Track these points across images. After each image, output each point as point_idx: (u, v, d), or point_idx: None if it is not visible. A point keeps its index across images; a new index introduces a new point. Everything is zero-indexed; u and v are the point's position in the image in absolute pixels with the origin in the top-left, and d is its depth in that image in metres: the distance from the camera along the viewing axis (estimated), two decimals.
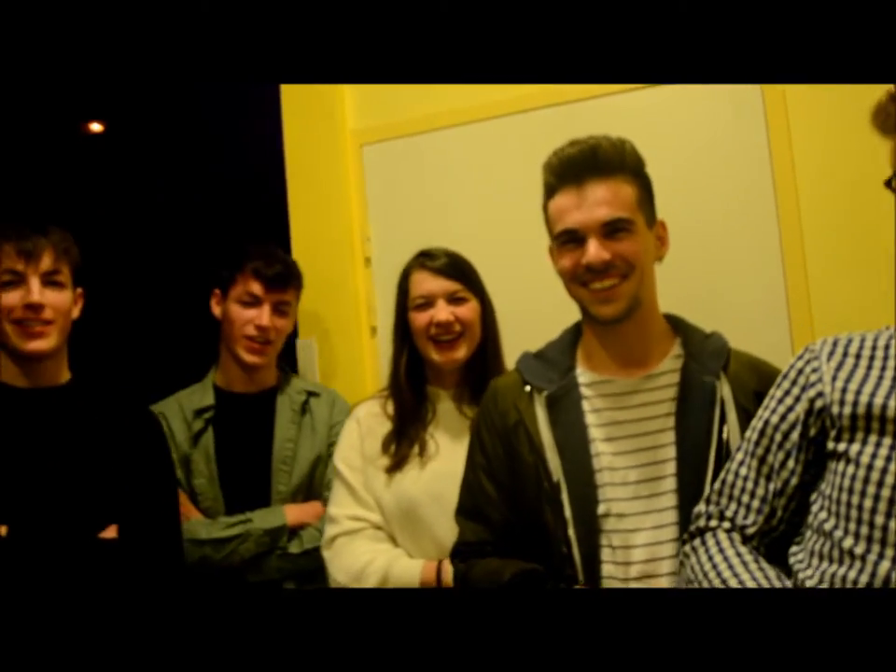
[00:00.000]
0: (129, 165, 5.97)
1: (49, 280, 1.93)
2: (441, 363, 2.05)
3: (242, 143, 5.17)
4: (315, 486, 2.31)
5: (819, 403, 1.41)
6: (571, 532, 1.60)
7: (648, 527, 1.60)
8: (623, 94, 2.56)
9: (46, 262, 1.92)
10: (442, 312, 2.01)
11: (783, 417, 1.46)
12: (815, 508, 1.39)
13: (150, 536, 1.93)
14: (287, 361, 2.62)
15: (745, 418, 1.59)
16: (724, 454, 1.58)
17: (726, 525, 1.49)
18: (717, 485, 1.53)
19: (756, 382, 1.65)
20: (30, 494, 1.85)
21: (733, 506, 1.49)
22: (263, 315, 2.31)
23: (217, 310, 2.40)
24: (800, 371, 1.47)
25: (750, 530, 1.46)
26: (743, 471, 1.49)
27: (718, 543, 1.46)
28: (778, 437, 1.46)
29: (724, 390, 1.63)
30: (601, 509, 1.61)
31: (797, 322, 2.38)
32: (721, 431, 1.60)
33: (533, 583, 1.59)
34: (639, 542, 1.59)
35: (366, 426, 2.11)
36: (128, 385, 2.15)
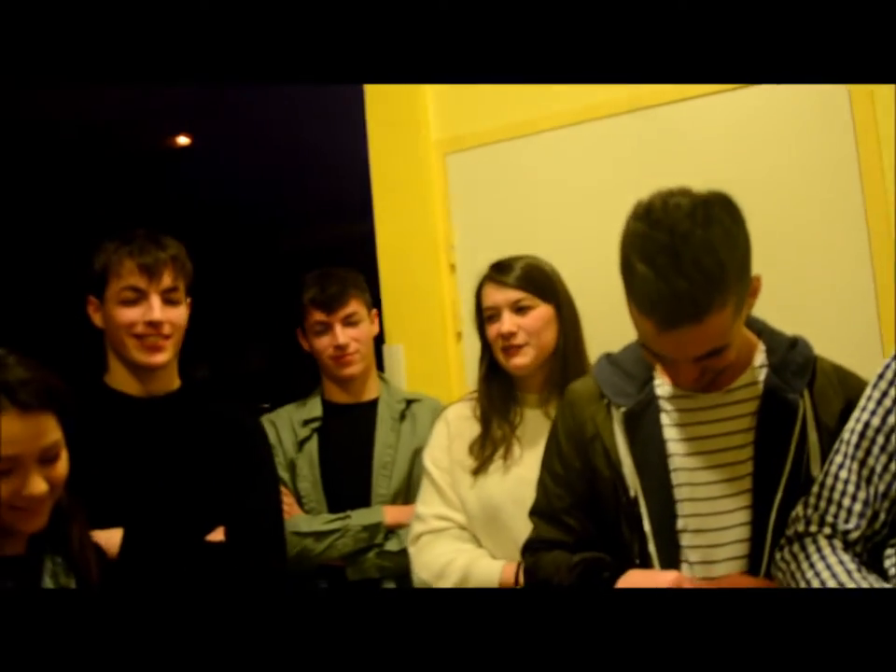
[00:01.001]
0: (214, 177, 6.13)
1: (168, 298, 1.98)
2: (511, 370, 2.09)
3: (327, 154, 5.27)
4: (413, 490, 2.37)
5: None
6: (651, 547, 1.59)
7: (726, 543, 1.58)
8: (706, 98, 2.57)
9: (166, 280, 1.97)
10: (506, 323, 2.06)
11: (883, 420, 1.42)
12: None
13: (256, 539, 1.99)
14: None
15: (828, 438, 1.55)
16: (803, 473, 1.54)
17: (826, 530, 1.46)
18: (815, 489, 1.50)
19: (843, 401, 1.59)
20: (143, 499, 1.93)
21: (833, 509, 1.46)
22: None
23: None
24: None
25: (853, 535, 1.44)
26: (843, 474, 1.46)
27: (819, 550, 1.44)
28: (881, 439, 1.42)
29: (807, 409, 1.57)
30: (680, 524, 1.60)
31: (886, 323, 2.36)
32: (799, 451, 1.55)
33: (598, 571, 1.60)
34: (718, 558, 1.58)
35: (455, 427, 2.17)
36: (233, 391, 2.23)
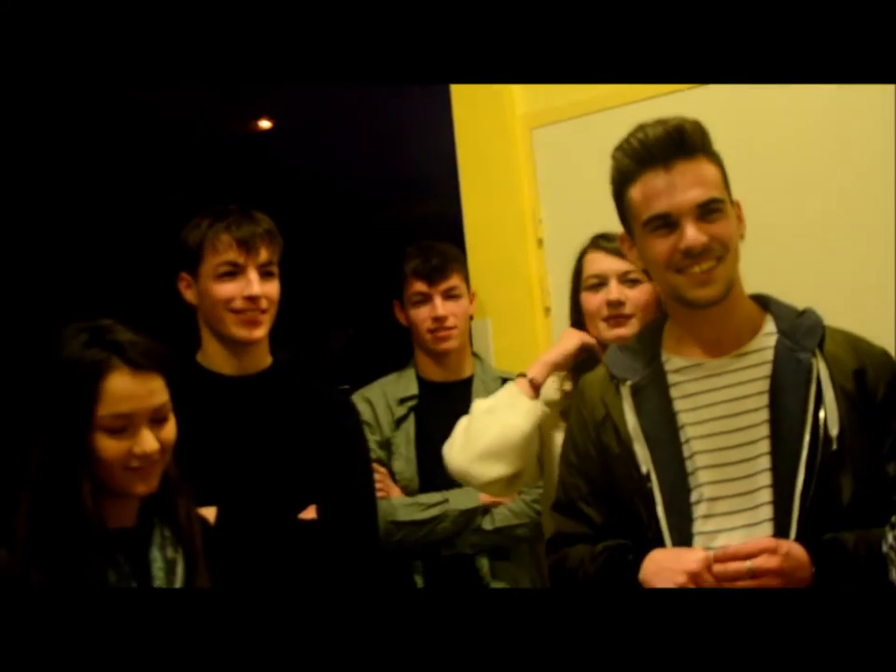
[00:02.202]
0: (297, 160, 6.18)
1: (265, 271, 1.99)
2: (611, 340, 2.02)
3: (412, 131, 5.28)
4: None
5: None
6: (664, 524, 1.58)
7: (742, 509, 1.56)
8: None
9: (263, 254, 1.97)
10: (614, 291, 2.02)
11: None
12: None
13: (347, 517, 1.99)
14: None
15: (843, 398, 1.54)
16: (822, 434, 1.52)
17: None
18: None
19: (855, 360, 1.58)
20: (237, 477, 1.95)
21: None
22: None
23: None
24: None
25: None
26: None
27: None
28: None
29: (821, 368, 1.56)
30: (693, 496, 1.58)
31: None
32: (817, 410, 1.54)
33: (622, 556, 1.60)
34: (735, 525, 1.56)
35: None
36: (323, 369, 2.24)
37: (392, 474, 2.43)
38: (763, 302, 1.70)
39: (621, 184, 1.65)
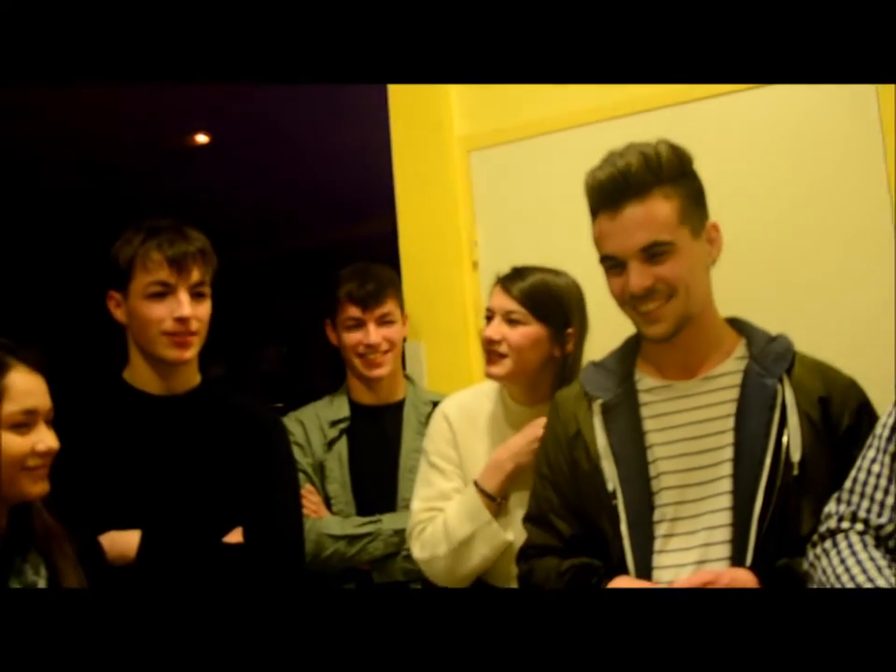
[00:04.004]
0: (232, 175, 6.13)
1: (196, 292, 1.94)
2: (485, 375, 2.11)
3: (350, 151, 5.26)
4: None
5: None
6: (626, 542, 1.60)
7: (701, 529, 1.59)
8: (732, 95, 2.55)
9: (195, 275, 1.93)
10: (490, 329, 2.06)
11: None
12: None
13: (274, 540, 1.96)
14: None
15: (808, 425, 1.57)
16: (784, 459, 1.55)
17: (859, 526, 1.46)
18: (848, 484, 1.50)
19: (822, 388, 1.61)
20: (161, 499, 1.90)
21: (865, 504, 1.46)
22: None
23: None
24: None
25: (886, 529, 1.44)
26: (876, 468, 1.46)
27: (850, 546, 1.44)
28: None
29: (787, 394, 1.59)
30: (656, 515, 1.61)
31: None
32: (780, 435, 1.56)
33: (587, 577, 1.62)
34: (692, 545, 1.59)
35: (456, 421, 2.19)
36: (258, 387, 2.21)
37: (326, 498, 2.40)
38: (738, 326, 1.73)
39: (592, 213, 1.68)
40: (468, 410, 2.17)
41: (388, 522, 2.31)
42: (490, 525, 1.99)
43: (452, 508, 2.05)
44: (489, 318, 2.09)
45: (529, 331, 2.03)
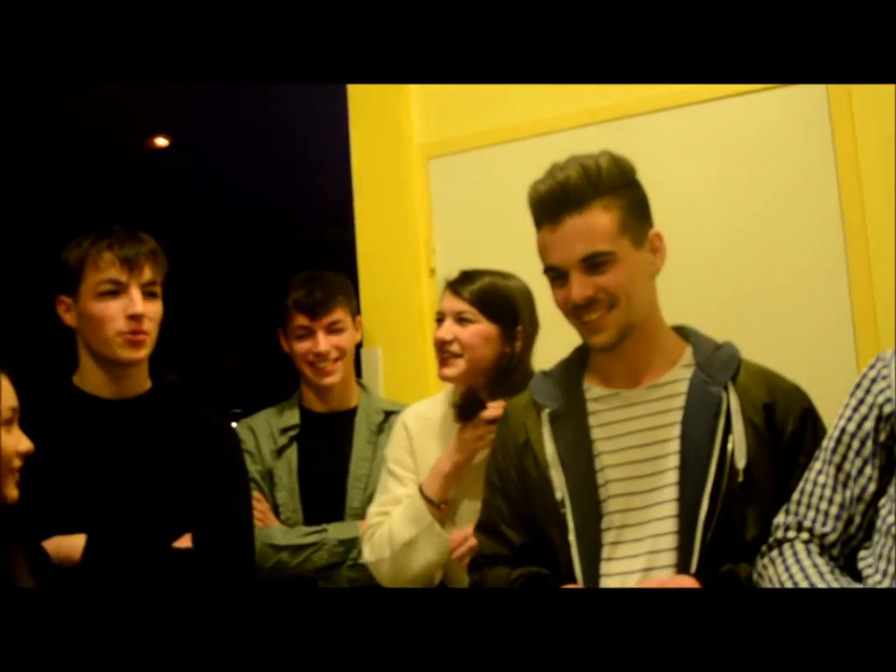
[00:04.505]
0: (192, 179, 6.09)
1: (148, 291, 1.93)
2: (440, 378, 2.12)
3: (309, 156, 5.25)
4: None
5: (888, 409, 1.42)
6: (574, 550, 1.61)
7: (647, 536, 1.60)
8: (688, 108, 2.59)
9: (147, 274, 1.92)
10: (443, 330, 2.08)
11: (859, 425, 1.46)
12: (883, 512, 1.40)
13: (223, 546, 1.94)
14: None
15: (752, 431, 1.58)
16: (728, 465, 1.56)
17: (804, 535, 1.48)
18: (795, 495, 1.52)
19: (766, 394, 1.62)
20: (110, 504, 1.88)
21: (811, 514, 1.49)
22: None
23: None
24: (873, 380, 1.47)
25: (830, 538, 1.46)
26: (821, 479, 1.49)
27: (795, 555, 1.46)
28: (856, 444, 1.45)
29: (732, 401, 1.61)
30: (604, 523, 1.61)
31: (861, 333, 2.39)
32: (724, 441, 1.58)
33: (537, 586, 1.62)
34: (639, 552, 1.60)
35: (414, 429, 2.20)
36: (204, 396, 2.19)
37: (275, 506, 2.38)
38: (684, 334, 1.75)
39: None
40: (425, 418, 2.18)
41: (334, 531, 2.29)
42: (432, 527, 2.00)
43: (397, 512, 2.07)
44: (440, 321, 2.11)
45: (480, 329, 2.06)
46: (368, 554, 2.08)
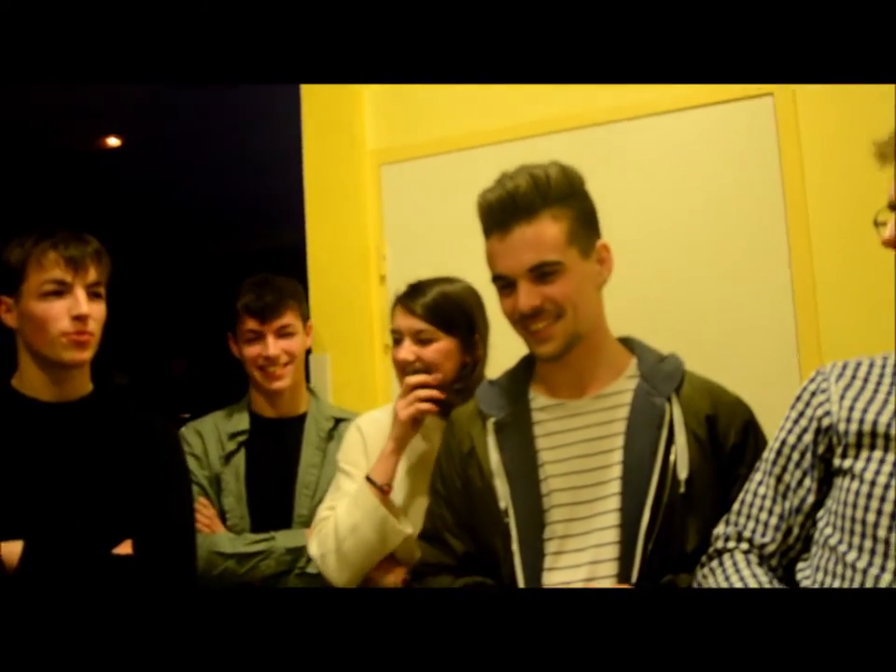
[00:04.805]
0: (145, 180, 6.04)
1: (92, 291, 1.90)
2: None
3: (261, 160, 5.22)
4: None
5: (826, 422, 1.44)
6: (517, 560, 1.61)
7: (589, 546, 1.60)
8: (637, 120, 2.63)
9: (92, 274, 1.89)
10: (403, 351, 2.06)
11: (799, 437, 1.48)
12: (821, 524, 1.42)
13: (164, 553, 1.91)
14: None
15: (695, 443, 1.60)
16: (670, 476, 1.57)
17: (744, 546, 1.50)
18: (736, 506, 1.54)
19: (709, 406, 1.64)
20: (49, 509, 1.85)
21: (751, 524, 1.50)
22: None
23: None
24: (812, 393, 1.49)
25: (769, 548, 1.48)
26: (762, 490, 1.51)
27: (735, 564, 1.48)
28: (796, 456, 1.47)
29: (675, 412, 1.62)
30: (547, 532, 1.62)
31: (805, 346, 2.43)
32: (667, 452, 1.59)
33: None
34: (581, 562, 1.60)
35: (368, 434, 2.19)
36: (153, 400, 2.16)
37: (222, 512, 2.35)
38: (630, 345, 1.76)
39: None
40: (380, 422, 2.17)
41: (282, 540, 2.26)
42: (377, 509, 1.98)
43: (343, 503, 2.06)
44: (397, 340, 2.09)
45: (441, 346, 2.05)
46: (315, 549, 2.06)
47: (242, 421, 2.45)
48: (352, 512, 2.01)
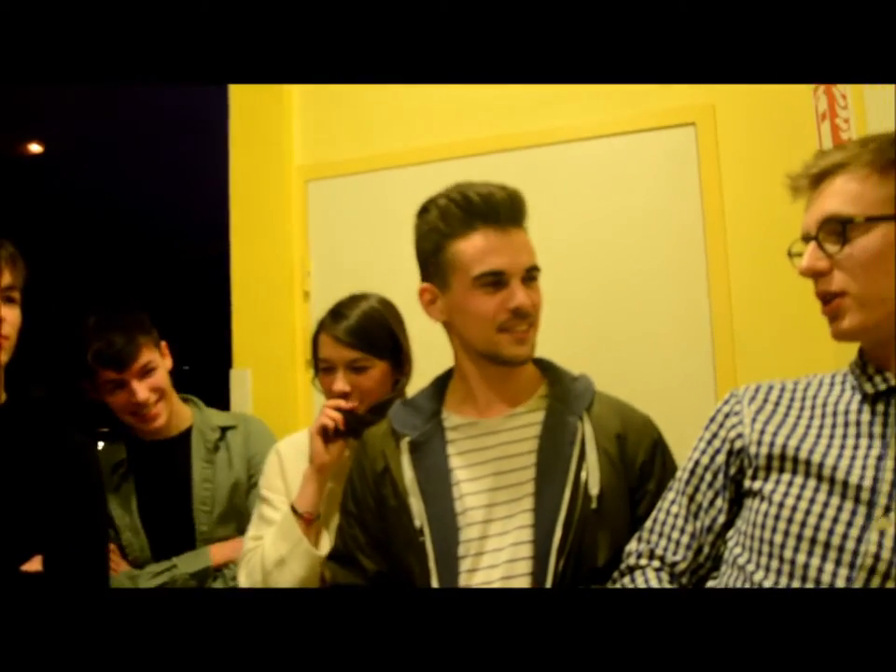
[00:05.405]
0: (68, 188, 5.94)
1: (6, 296, 1.82)
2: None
3: (187, 173, 5.17)
4: (243, 519, 2.25)
5: (738, 444, 1.47)
6: (434, 578, 1.61)
7: (502, 562, 1.61)
8: (564, 145, 2.68)
9: (6, 278, 1.81)
10: (340, 382, 2.02)
11: (712, 458, 1.50)
12: (731, 543, 1.45)
13: (75, 569, 1.85)
14: (221, 392, 2.61)
15: (606, 460, 1.62)
16: (582, 493, 1.59)
17: (656, 563, 1.52)
18: (648, 524, 1.56)
19: (619, 425, 1.67)
20: None
21: (663, 542, 1.52)
22: None
23: None
24: (726, 415, 1.51)
25: (680, 566, 1.50)
26: (674, 509, 1.53)
27: (647, 581, 1.49)
28: (708, 476, 1.50)
29: (586, 431, 1.64)
30: (461, 550, 1.62)
31: (722, 369, 2.49)
32: (578, 470, 1.61)
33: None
34: (494, 578, 1.60)
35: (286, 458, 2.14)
36: (60, 409, 2.10)
37: (121, 548, 2.24)
38: (542, 366, 1.78)
39: (445, 235, 1.65)
40: (299, 444, 2.13)
41: (183, 565, 2.19)
42: (301, 542, 1.94)
43: (269, 533, 2.02)
44: (328, 370, 2.04)
45: (376, 373, 2.02)
46: (243, 580, 2.01)
47: (119, 451, 2.31)
48: (278, 545, 1.97)
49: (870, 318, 1.28)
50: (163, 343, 2.31)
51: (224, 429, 2.35)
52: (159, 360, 2.26)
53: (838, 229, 1.30)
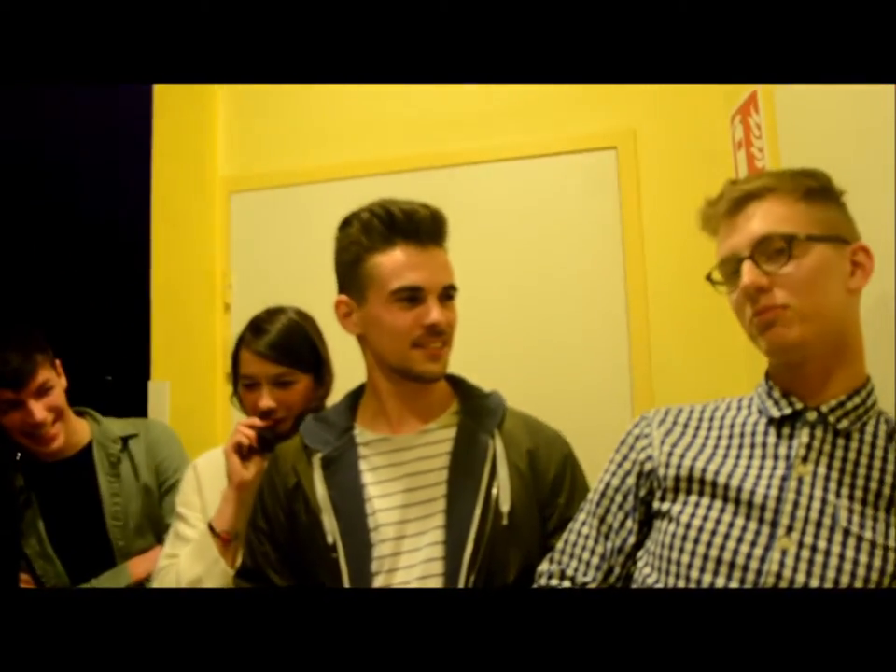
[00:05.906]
0: None
1: None
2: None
3: (108, 181, 5.09)
4: (160, 526, 2.22)
5: (648, 466, 1.49)
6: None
7: (414, 579, 1.62)
8: (486, 165, 2.71)
9: None
10: (265, 398, 1.99)
11: (623, 480, 1.52)
12: (641, 563, 1.47)
13: None
14: (138, 404, 2.57)
15: (517, 476, 1.64)
16: (493, 509, 1.61)
17: (566, 584, 1.53)
18: (560, 545, 1.58)
19: (530, 441, 1.69)
20: None
21: (573, 563, 1.54)
22: None
23: None
24: (636, 437, 1.54)
25: (591, 587, 1.51)
26: (585, 530, 1.55)
27: None
28: (619, 498, 1.52)
29: (497, 447, 1.66)
30: (374, 566, 1.62)
31: (639, 388, 2.54)
32: (490, 486, 1.62)
33: None
34: None
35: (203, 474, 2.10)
36: None
37: (35, 578, 2.16)
38: (454, 382, 1.78)
39: (365, 248, 1.65)
40: (216, 461, 2.10)
41: (104, 584, 2.14)
42: (218, 562, 1.91)
43: (185, 552, 1.99)
44: (251, 386, 2.00)
45: (301, 387, 2.00)
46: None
47: (16, 479, 2.20)
48: (194, 565, 1.94)
49: (810, 331, 1.31)
50: (58, 361, 2.22)
51: (125, 439, 2.29)
52: (55, 379, 2.18)
53: (780, 246, 1.33)
